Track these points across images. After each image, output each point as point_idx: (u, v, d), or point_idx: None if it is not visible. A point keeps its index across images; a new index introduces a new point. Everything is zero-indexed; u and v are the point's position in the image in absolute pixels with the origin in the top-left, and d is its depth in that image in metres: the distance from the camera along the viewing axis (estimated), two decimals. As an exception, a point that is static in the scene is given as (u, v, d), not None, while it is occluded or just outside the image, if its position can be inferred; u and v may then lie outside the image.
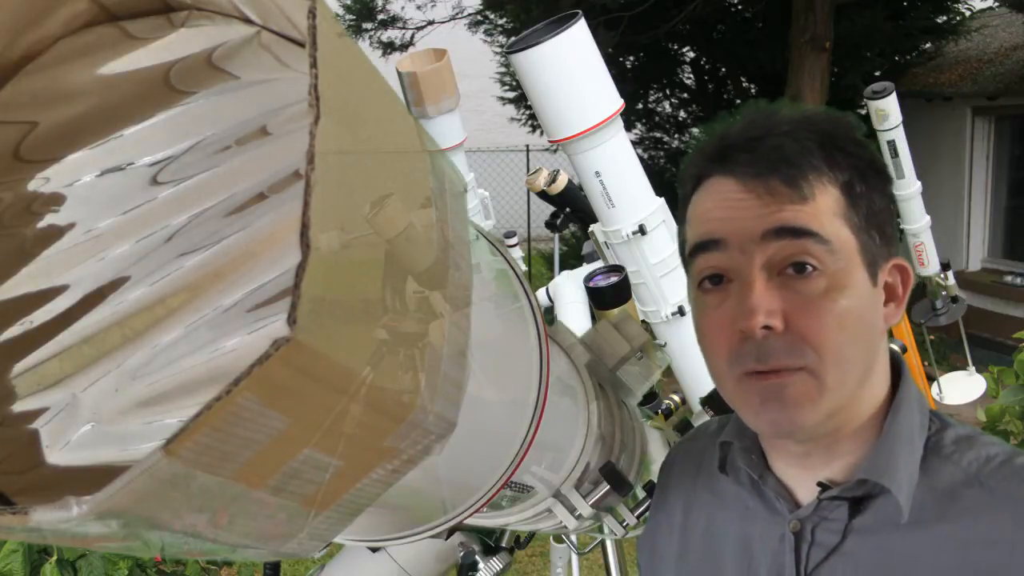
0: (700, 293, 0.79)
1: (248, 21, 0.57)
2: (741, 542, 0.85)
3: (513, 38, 1.64)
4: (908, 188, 2.79)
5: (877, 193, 0.77)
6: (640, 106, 9.38)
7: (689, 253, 0.80)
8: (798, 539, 0.80)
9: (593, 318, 1.80)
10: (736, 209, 0.75)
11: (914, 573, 0.75)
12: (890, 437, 0.77)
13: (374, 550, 1.18)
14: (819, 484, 0.79)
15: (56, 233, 0.61)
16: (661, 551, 0.95)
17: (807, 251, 0.73)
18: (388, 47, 9.10)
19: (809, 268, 0.73)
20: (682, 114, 9.79)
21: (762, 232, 0.73)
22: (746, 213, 0.74)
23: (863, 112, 2.80)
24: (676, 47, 9.27)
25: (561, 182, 2.15)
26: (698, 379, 1.74)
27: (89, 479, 0.56)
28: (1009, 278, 7.46)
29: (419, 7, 9.07)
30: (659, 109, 9.76)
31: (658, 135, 9.75)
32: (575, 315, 1.89)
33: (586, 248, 2.11)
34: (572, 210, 2.19)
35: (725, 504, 0.88)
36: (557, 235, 2.36)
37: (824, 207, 0.74)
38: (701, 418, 1.37)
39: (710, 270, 0.77)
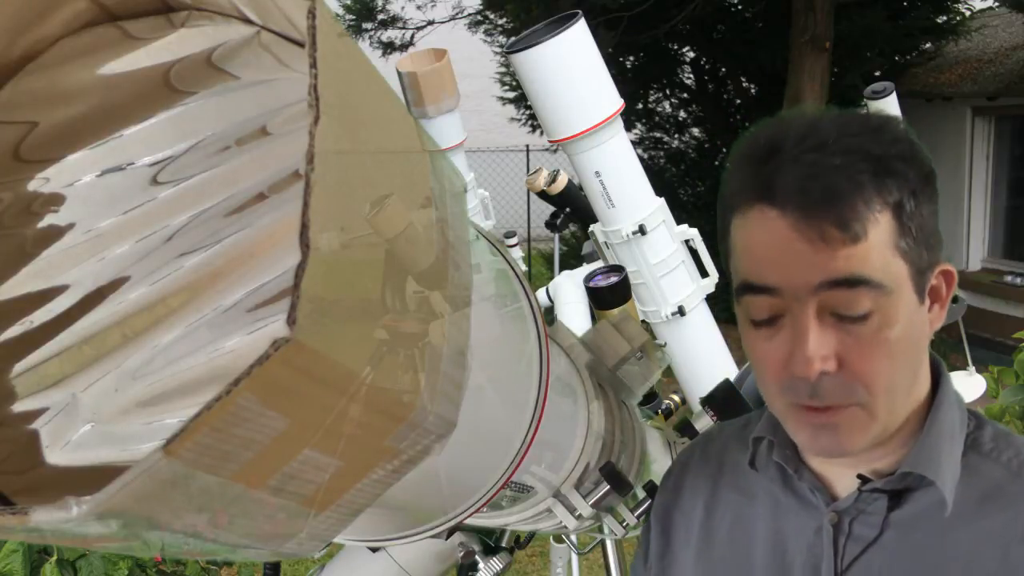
0: (749, 326, 0.78)
1: (248, 21, 0.57)
2: (772, 536, 0.85)
3: (513, 38, 1.64)
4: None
5: (926, 204, 0.76)
6: (640, 106, 9.37)
7: (738, 288, 0.79)
8: (836, 532, 0.81)
9: (593, 318, 1.80)
10: (788, 253, 0.73)
11: (952, 568, 0.76)
12: (933, 432, 0.79)
13: (374, 550, 1.18)
14: (859, 476, 0.80)
15: (56, 233, 0.61)
16: (676, 548, 0.95)
17: (861, 299, 0.73)
18: (388, 47, 9.10)
19: (862, 311, 0.73)
20: (682, 114, 9.78)
21: (817, 284, 0.73)
22: (799, 260, 0.73)
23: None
24: (676, 47, 9.26)
25: (561, 182, 2.14)
26: (698, 379, 1.74)
27: (89, 479, 0.56)
28: (1009, 278, 7.45)
29: (419, 7, 9.07)
30: (659, 109, 9.75)
31: (658, 135, 9.74)
32: (575, 315, 1.89)
33: (586, 248, 2.10)
34: (572, 210, 2.19)
35: (754, 500, 0.89)
36: (557, 235, 2.36)
37: (876, 242, 0.72)
38: (701, 418, 1.37)
39: (761, 312, 0.77)
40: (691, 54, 9.44)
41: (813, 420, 0.75)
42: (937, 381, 0.82)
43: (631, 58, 9.12)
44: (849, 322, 0.73)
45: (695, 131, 9.79)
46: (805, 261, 0.73)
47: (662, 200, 1.73)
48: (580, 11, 1.54)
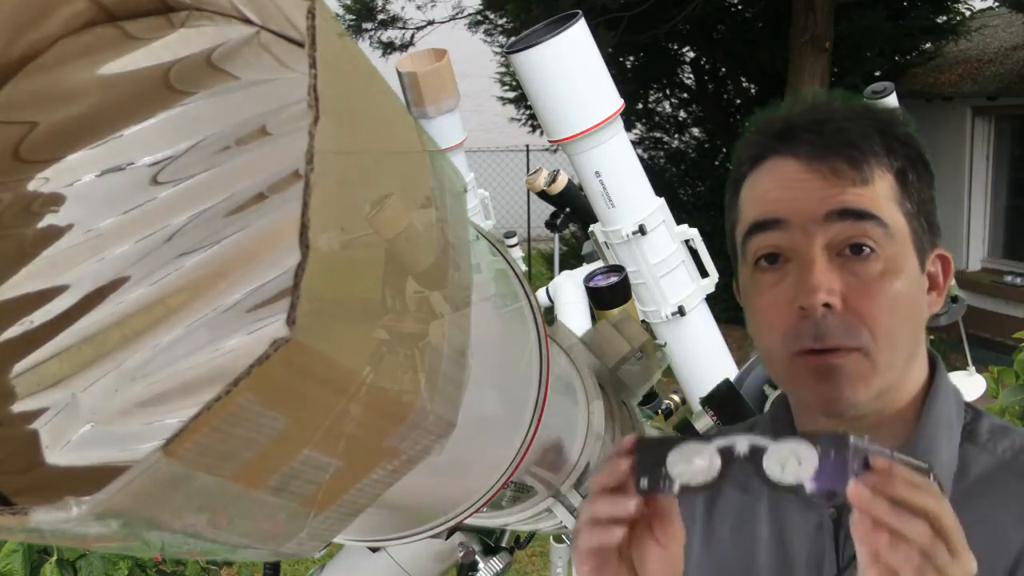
0: (756, 272, 0.80)
1: (248, 21, 0.57)
2: (775, 533, 0.86)
3: (513, 38, 1.64)
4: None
5: (925, 185, 0.80)
6: (640, 106, 9.37)
7: (746, 232, 0.80)
8: (836, 527, 0.81)
9: (593, 318, 1.80)
10: (798, 189, 0.77)
11: None
12: (929, 422, 0.80)
13: (374, 550, 1.18)
14: None
15: (56, 233, 0.61)
16: None
17: (867, 233, 0.75)
18: (388, 47, 9.11)
19: (867, 250, 0.75)
20: (682, 114, 9.79)
21: (825, 213, 0.75)
22: (809, 194, 0.76)
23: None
24: (676, 47, 9.27)
25: (561, 182, 2.15)
26: (698, 379, 1.74)
27: (89, 479, 0.56)
28: (1009, 278, 7.46)
29: (419, 7, 9.08)
30: (659, 109, 9.75)
31: (658, 135, 9.74)
32: (575, 315, 1.88)
33: (586, 248, 2.11)
34: (572, 210, 2.19)
35: (756, 498, 0.89)
36: (557, 235, 2.36)
37: (882, 192, 0.76)
38: (701, 418, 1.37)
39: (768, 249, 0.78)
40: (691, 54, 9.44)
41: (816, 362, 0.76)
42: (933, 375, 0.84)
43: (631, 58, 9.12)
44: (854, 262, 0.75)
45: (695, 131, 9.80)
46: (815, 194, 0.76)
47: (662, 200, 1.73)
48: (580, 11, 1.55)
